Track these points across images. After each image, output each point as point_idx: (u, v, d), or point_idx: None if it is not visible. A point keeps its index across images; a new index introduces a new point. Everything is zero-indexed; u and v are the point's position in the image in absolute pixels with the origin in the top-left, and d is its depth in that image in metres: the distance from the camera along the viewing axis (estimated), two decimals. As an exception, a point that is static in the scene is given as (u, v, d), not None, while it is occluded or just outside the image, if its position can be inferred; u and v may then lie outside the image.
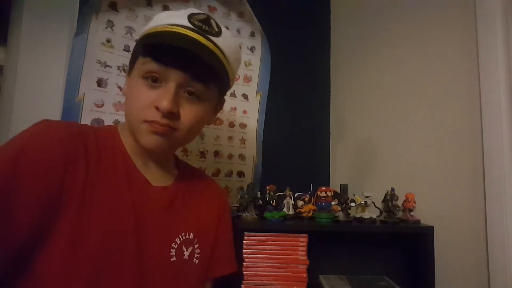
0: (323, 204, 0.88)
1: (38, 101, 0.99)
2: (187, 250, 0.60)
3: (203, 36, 0.55)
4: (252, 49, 1.17)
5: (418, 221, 0.89)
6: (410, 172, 1.06)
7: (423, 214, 0.91)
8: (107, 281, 0.50)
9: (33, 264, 0.45)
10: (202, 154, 1.07)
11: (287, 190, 0.94)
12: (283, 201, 0.93)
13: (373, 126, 1.21)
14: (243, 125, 1.16)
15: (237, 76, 0.99)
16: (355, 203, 0.91)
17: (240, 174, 1.14)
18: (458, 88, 0.96)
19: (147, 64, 0.54)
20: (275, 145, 1.22)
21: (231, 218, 0.74)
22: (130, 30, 0.97)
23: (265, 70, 1.18)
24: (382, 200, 0.92)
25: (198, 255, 0.62)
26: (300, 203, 0.94)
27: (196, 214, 0.65)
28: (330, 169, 1.32)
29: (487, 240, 0.86)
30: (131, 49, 0.98)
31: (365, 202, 0.91)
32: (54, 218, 0.46)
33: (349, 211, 0.92)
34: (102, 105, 0.92)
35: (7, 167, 0.43)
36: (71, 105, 0.88)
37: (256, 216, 0.90)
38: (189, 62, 0.53)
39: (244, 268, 0.83)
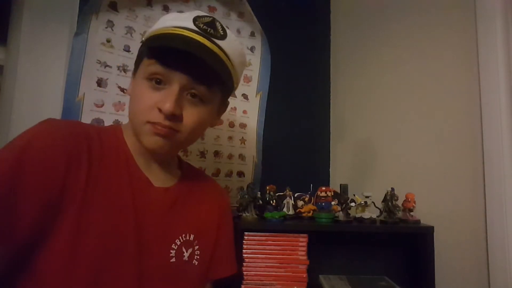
0: (323, 204, 0.88)
1: (38, 101, 0.99)
2: (187, 251, 0.60)
3: (207, 39, 0.55)
4: (252, 49, 1.17)
5: (418, 221, 0.89)
6: (410, 172, 1.06)
7: (423, 214, 0.91)
8: (107, 281, 0.50)
9: (33, 264, 0.45)
10: (202, 154, 1.07)
11: (287, 190, 0.94)
12: (283, 201, 0.93)
13: (373, 126, 1.21)
14: (243, 125, 1.15)
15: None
16: (355, 203, 0.91)
17: (240, 174, 1.14)
18: (458, 88, 0.96)
19: (151, 66, 0.54)
20: (275, 145, 1.21)
21: (232, 219, 0.74)
22: (130, 30, 0.97)
23: (265, 70, 1.18)
24: (382, 200, 0.92)
25: (198, 257, 0.62)
26: (300, 203, 0.94)
27: (197, 215, 0.65)
28: (330, 169, 1.32)
29: (487, 240, 0.86)
30: (131, 49, 1.00)
31: (365, 202, 0.91)
32: (55, 217, 0.46)
33: (349, 211, 0.92)
34: (102, 105, 0.92)
35: (10, 167, 0.43)
36: (71, 105, 0.88)
37: (256, 216, 0.90)
38: (192, 64, 0.53)
39: (244, 268, 0.83)
